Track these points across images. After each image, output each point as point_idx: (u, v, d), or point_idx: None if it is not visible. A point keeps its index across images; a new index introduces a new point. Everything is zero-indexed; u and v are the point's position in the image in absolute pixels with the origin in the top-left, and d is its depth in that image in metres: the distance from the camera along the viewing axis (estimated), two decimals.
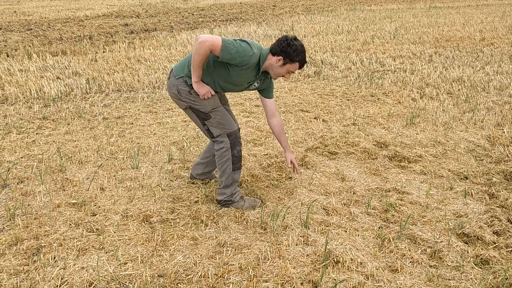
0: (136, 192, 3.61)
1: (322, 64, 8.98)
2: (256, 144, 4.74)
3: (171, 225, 3.15)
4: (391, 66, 8.79)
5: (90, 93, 6.84)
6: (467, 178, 3.89)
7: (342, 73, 8.23)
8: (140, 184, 3.76)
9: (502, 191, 3.59)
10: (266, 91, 3.43)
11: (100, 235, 3.02)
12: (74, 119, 5.59)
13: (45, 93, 6.71)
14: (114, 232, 3.06)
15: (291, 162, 3.54)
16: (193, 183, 3.76)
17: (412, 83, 7.44)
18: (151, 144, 4.67)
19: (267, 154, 4.40)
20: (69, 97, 6.63)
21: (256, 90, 3.43)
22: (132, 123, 5.44)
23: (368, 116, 5.72)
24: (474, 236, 2.95)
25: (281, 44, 3.06)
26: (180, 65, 3.26)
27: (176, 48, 10.36)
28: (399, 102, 6.45)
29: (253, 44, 3.07)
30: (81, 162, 4.25)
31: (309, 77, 8.14)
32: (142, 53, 9.66)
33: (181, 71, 3.21)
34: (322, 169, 4.06)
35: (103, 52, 10.06)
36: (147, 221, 3.22)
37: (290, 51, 3.05)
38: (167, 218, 3.23)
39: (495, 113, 5.80)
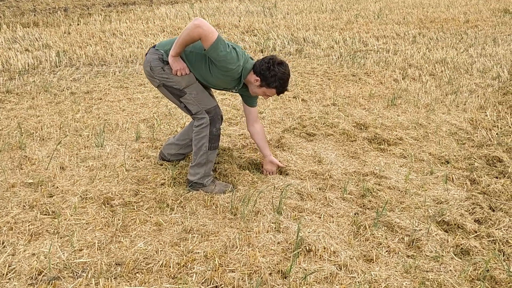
0: (98, 172, 3.37)
1: (304, 42, 8.73)
2: (231, 124, 4.51)
3: (134, 209, 2.93)
4: (374, 46, 8.58)
5: (59, 66, 6.50)
6: (448, 163, 3.74)
7: (324, 52, 8.00)
8: (103, 164, 3.52)
9: (484, 176, 3.44)
10: (249, 99, 3.27)
11: (55, 218, 2.79)
12: (39, 93, 5.28)
13: (11, 65, 6.35)
14: (71, 216, 2.83)
15: (270, 169, 3.46)
16: (161, 165, 3.53)
17: (395, 64, 7.26)
18: (119, 121, 4.41)
19: (242, 135, 4.18)
20: (37, 70, 6.29)
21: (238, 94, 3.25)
22: (101, 99, 5.15)
23: (349, 97, 5.53)
24: (455, 225, 2.80)
25: (262, 65, 2.97)
26: (165, 42, 3.07)
27: (154, 22, 9.98)
28: (381, 82, 6.27)
29: (241, 55, 2.94)
30: (43, 139, 3.98)
31: (290, 54, 7.89)
32: (118, 27, 9.27)
33: (162, 46, 3.02)
34: (298, 151, 3.86)
35: (77, 24, 9.64)
36: (107, 204, 2.99)
37: (268, 75, 2.95)
38: (129, 201, 3.01)
39: (478, 96, 5.66)
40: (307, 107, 5.09)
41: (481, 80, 6.43)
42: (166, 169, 3.45)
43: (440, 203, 3.09)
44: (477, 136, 4.35)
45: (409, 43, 9.09)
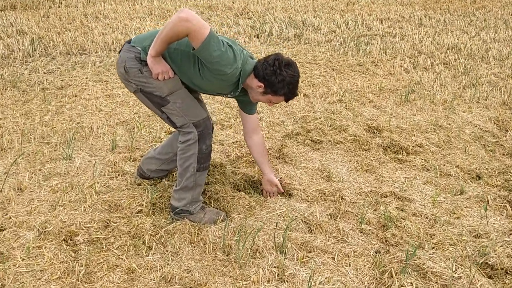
0: (62, 196, 2.78)
1: (303, 25, 8.07)
2: (224, 127, 3.91)
3: (102, 248, 2.36)
4: (379, 30, 7.94)
5: (33, 56, 5.84)
6: (479, 178, 3.17)
7: (326, 37, 7.36)
8: (69, 184, 2.92)
9: None
10: (248, 105, 2.71)
11: (2, 263, 2.21)
12: (6, 89, 4.64)
13: None
14: (22, 260, 2.25)
15: (270, 190, 2.89)
16: (139, 184, 2.94)
17: (403, 51, 6.65)
18: (94, 125, 3.80)
19: (237, 142, 3.58)
20: (7, 61, 5.64)
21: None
22: (75, 96, 4.52)
23: (357, 91, 4.93)
24: (502, 269, 2.24)
25: (266, 68, 2.37)
26: (143, 36, 2.45)
27: (142, 4, 9.26)
28: (390, 73, 5.66)
29: (239, 55, 2.32)
30: (2, 149, 3.37)
31: (288, 40, 7.25)
32: (102, 9, 8.56)
33: (139, 42, 2.41)
34: (303, 164, 3.27)
35: (58, 7, 8.91)
36: (70, 240, 2.41)
37: (275, 81, 2.37)
38: (97, 237, 2.42)
39: (500, 89, 5.06)
40: (311, 104, 4.49)
41: (499, 69, 5.84)
42: (144, 190, 2.85)
43: (479, 237, 2.52)
44: (506, 140, 3.77)
45: (415, 26, 8.45)
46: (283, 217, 2.66)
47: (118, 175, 3.05)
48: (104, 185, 2.92)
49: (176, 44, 2.35)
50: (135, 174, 3.03)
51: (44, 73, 5.21)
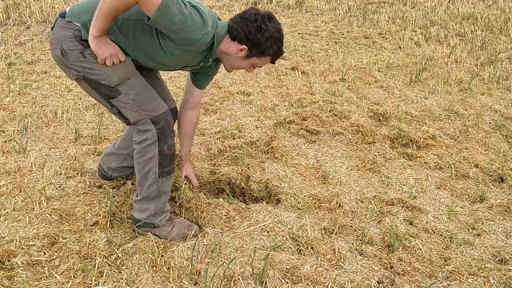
0: (7, 201, 2.33)
1: None
2: (208, 112, 3.42)
3: (43, 274, 1.92)
4: None
5: (5, 25, 5.29)
6: (502, 181, 2.69)
7: (330, 5, 6.75)
8: (18, 185, 2.47)
9: None
10: (201, 79, 2.24)
11: None
12: None
13: None
14: None
15: (186, 177, 2.47)
16: (99, 187, 2.48)
17: (414, 21, 6.05)
18: (59, 109, 3.31)
19: (220, 132, 3.10)
20: None
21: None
22: (45, 72, 4.02)
23: (361, 68, 4.40)
24: None
25: (247, 26, 1.91)
26: (80, 8, 1.90)
27: None
28: (399, 47, 5.11)
29: (208, 15, 1.85)
30: None
31: (289, 8, 6.64)
32: None
33: (76, 16, 1.86)
34: (296, 160, 2.79)
35: None
36: (8, 262, 1.97)
37: (262, 39, 1.92)
38: (38, 260, 1.98)
39: None
40: (309, 84, 3.97)
41: None
42: (104, 195, 2.40)
43: (505, 263, 2.07)
44: None
45: None
46: (267, 232, 2.20)
47: (77, 174, 2.59)
48: (58, 188, 2.47)
49: (126, 14, 1.84)
50: (96, 173, 2.57)
51: (15, 45, 4.69)
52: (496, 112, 3.60)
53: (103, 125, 3.12)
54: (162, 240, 2.13)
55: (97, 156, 2.78)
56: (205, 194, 2.44)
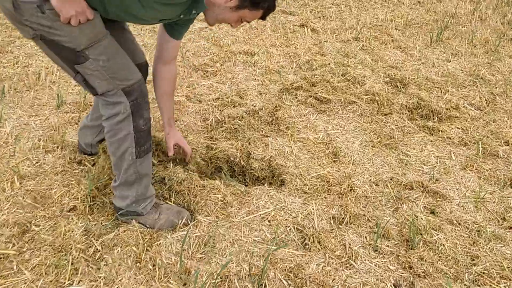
0: None
1: None
2: (207, 74, 3.08)
3: (11, 270, 1.68)
4: None
5: None
6: None
7: None
8: None
9: None
10: (179, 28, 1.86)
11: None
12: None
13: None
14: None
15: (176, 146, 2.11)
16: (79, 162, 2.20)
17: None
18: (43, 70, 2.98)
19: (219, 99, 2.78)
20: None
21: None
22: None
23: (377, 25, 4.00)
24: None
25: None
26: None
27: None
28: (419, 2, 4.68)
29: None
30: None
31: None
32: None
33: None
34: (303, 133, 2.48)
35: None
36: None
37: None
38: (5, 253, 1.73)
39: None
40: (319, 43, 3.60)
41: None
42: (84, 174, 2.12)
43: None
44: None
45: None
46: (269, 222, 1.93)
47: (57, 147, 2.31)
48: (35, 164, 2.19)
49: None
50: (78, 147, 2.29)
51: None
52: None
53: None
54: (148, 229, 1.87)
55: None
56: (199, 175, 2.16)
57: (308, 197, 2.08)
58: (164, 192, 2.03)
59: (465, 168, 2.30)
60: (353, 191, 2.13)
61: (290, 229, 1.91)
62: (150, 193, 1.88)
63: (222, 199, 2.02)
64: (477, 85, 3.08)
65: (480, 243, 1.86)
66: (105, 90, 1.66)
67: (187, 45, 3.43)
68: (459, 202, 2.07)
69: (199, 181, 2.07)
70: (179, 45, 1.93)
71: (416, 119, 2.67)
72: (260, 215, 1.96)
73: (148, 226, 1.89)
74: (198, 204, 1.99)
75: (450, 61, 3.44)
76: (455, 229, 1.92)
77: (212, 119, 2.56)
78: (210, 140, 2.38)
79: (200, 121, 2.55)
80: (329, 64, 3.21)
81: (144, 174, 1.82)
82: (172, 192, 2.03)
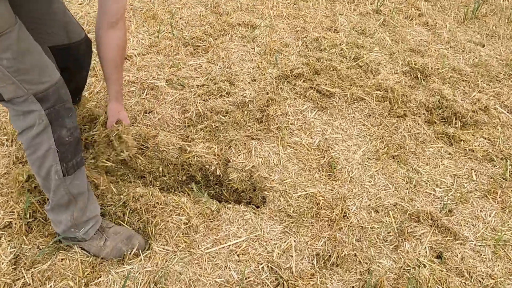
0: None
1: None
2: (197, 51, 2.67)
3: None
4: None
5: None
6: None
7: None
8: None
9: None
10: None
11: None
12: None
13: None
14: None
15: (117, 122, 1.74)
16: (27, 163, 1.87)
17: None
18: None
19: (204, 86, 2.39)
20: None
21: None
22: None
23: None
24: None
25: None
26: None
27: None
28: None
29: None
30: None
31: None
32: None
33: None
34: (296, 136, 2.10)
35: None
36: None
37: None
38: None
39: None
40: (333, 16, 3.12)
41: None
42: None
43: None
44: None
45: None
46: (238, 256, 1.59)
47: (7, 140, 1.98)
48: None
49: None
50: None
51: None
52: None
53: None
54: (91, 258, 1.55)
55: None
56: (162, 187, 1.82)
57: (291, 222, 1.73)
58: (118, 210, 1.70)
59: (486, 196, 1.90)
60: (347, 218, 1.77)
61: (262, 267, 1.57)
62: (92, 214, 1.56)
63: (187, 221, 1.68)
64: None
65: None
66: (12, 96, 1.29)
67: (182, 12, 3.00)
68: (474, 245, 1.69)
69: (161, 197, 1.74)
70: (126, 4, 1.54)
71: (435, 122, 2.25)
72: (229, 246, 1.63)
73: (92, 253, 1.57)
74: (157, 227, 1.66)
75: (484, 46, 2.95)
76: (464, 283, 1.56)
77: (192, 112, 2.18)
78: (185, 141, 2.02)
79: (178, 114, 2.18)
80: (340, 44, 2.76)
81: (79, 193, 1.49)
82: (127, 210, 1.70)
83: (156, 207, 1.70)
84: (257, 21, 2.96)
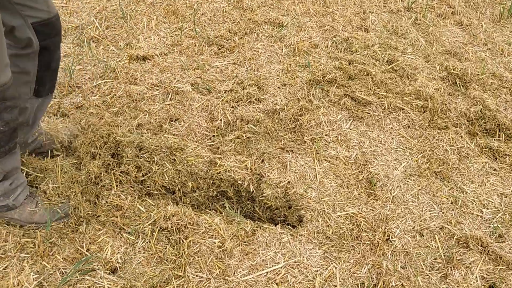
0: None
1: None
2: (223, 49, 2.53)
3: None
4: None
5: None
6: None
7: None
8: None
9: None
10: None
11: None
12: None
13: None
14: None
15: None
16: None
17: None
18: None
19: (233, 91, 2.26)
20: None
21: None
22: None
23: None
24: None
25: None
26: None
27: None
28: None
29: None
30: None
31: None
32: None
33: None
34: (332, 149, 1.97)
35: None
36: None
37: None
38: None
39: None
40: (363, 13, 2.97)
41: None
42: None
43: None
44: None
45: None
46: (277, 285, 1.49)
47: None
48: None
49: None
50: None
51: None
52: None
53: (80, 64, 2.32)
54: (18, 224, 1.49)
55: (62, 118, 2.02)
56: (193, 203, 1.71)
57: (331, 246, 1.62)
58: (146, 227, 1.59)
59: None
60: (390, 242, 1.65)
61: None
62: (19, 182, 1.56)
63: (220, 244, 1.57)
64: None
65: None
66: None
67: (203, 7, 2.86)
68: None
69: (193, 216, 1.62)
70: None
71: (477, 134, 2.12)
72: (267, 273, 1.51)
73: (23, 221, 1.53)
74: (190, 248, 1.55)
75: None
76: None
77: (221, 120, 2.06)
78: (215, 153, 1.90)
79: (206, 122, 2.05)
80: (372, 45, 2.62)
81: (11, 170, 1.50)
82: (156, 227, 1.59)
83: (187, 227, 1.59)
84: (283, 19, 2.81)
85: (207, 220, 1.62)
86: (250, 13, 2.84)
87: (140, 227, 1.60)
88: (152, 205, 1.67)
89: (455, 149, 2.01)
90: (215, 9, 2.89)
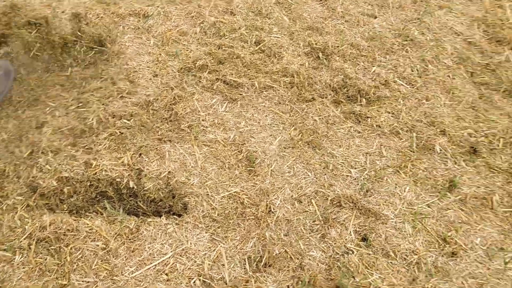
0: None
1: None
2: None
3: None
4: None
5: None
6: (475, 152, 2.11)
7: None
8: None
9: None
10: None
11: None
12: None
13: None
14: None
15: None
16: None
17: None
18: None
19: (101, 88, 2.19)
20: None
21: None
22: None
23: None
24: None
25: None
26: None
27: None
28: None
29: None
30: None
31: None
32: None
33: None
34: (210, 133, 2.01)
35: None
36: None
37: None
38: None
39: None
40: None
41: None
42: None
43: None
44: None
45: None
46: (166, 275, 1.50)
47: None
48: None
49: None
50: None
51: None
52: (458, 35, 2.92)
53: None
54: None
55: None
56: (70, 209, 1.65)
57: (218, 227, 1.67)
58: (22, 242, 1.51)
59: (398, 171, 1.97)
60: (272, 213, 1.74)
61: (194, 282, 1.49)
62: None
63: (104, 246, 1.54)
64: (407, 50, 2.73)
65: (420, 280, 1.57)
66: None
67: (63, 4, 2.72)
68: (395, 222, 1.76)
69: (71, 222, 1.57)
70: None
71: (342, 102, 2.28)
72: (155, 266, 1.52)
73: None
74: (72, 255, 1.50)
75: (376, 17, 3.03)
76: (391, 263, 1.61)
77: (92, 119, 1.99)
78: (88, 153, 1.84)
79: (77, 121, 1.98)
80: (239, 28, 2.68)
81: None
82: (33, 240, 1.52)
83: (67, 235, 1.54)
84: (148, 9, 2.77)
85: (87, 224, 1.58)
86: (114, 7, 2.75)
87: (16, 243, 1.52)
88: (26, 217, 1.59)
89: (323, 118, 2.16)
90: (77, 5, 2.76)
